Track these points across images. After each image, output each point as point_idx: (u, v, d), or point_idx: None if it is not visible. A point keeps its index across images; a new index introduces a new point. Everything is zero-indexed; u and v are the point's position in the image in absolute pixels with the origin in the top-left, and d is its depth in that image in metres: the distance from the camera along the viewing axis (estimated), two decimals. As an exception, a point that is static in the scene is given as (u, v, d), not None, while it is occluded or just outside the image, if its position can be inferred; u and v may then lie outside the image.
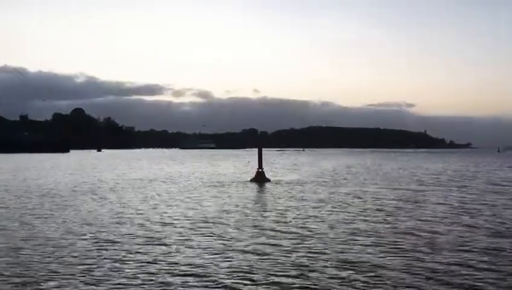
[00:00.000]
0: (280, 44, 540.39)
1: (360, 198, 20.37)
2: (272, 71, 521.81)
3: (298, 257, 9.56)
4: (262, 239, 11.37)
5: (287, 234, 11.96)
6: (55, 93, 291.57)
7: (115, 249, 10.21)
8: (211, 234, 11.93)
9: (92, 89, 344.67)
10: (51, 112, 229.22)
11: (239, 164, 60.80)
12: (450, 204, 18.29)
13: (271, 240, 11.21)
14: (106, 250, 10.16)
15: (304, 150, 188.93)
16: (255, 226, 13.19)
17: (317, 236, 11.67)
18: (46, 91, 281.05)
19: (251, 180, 29.32)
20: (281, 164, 60.33)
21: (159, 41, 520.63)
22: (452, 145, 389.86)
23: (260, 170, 30.08)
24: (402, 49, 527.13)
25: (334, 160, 77.71)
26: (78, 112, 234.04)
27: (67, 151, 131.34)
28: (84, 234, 11.97)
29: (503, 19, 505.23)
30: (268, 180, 29.06)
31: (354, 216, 15.00)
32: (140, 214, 15.54)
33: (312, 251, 10.11)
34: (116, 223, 13.68)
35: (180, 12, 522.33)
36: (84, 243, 10.90)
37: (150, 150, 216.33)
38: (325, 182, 29.74)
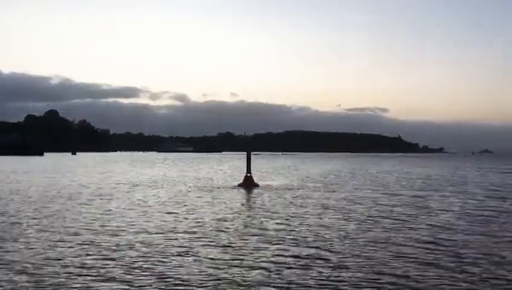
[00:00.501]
0: (258, 48, 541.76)
1: (361, 204, 19.53)
2: (249, 75, 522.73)
3: (334, 276, 8.56)
4: (282, 250, 10.41)
5: (305, 245, 11.03)
6: (29, 94, 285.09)
7: (113, 267, 9.04)
8: (220, 245, 10.89)
9: (67, 91, 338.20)
10: (24, 114, 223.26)
11: (222, 167, 59.67)
12: (454, 210, 17.68)
13: (291, 250, 10.29)
14: (103, 268, 8.97)
15: (281, 154, 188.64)
16: (264, 235, 12.18)
17: (340, 248, 10.73)
18: (20, 93, 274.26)
19: (239, 185, 28.22)
20: (263, 168, 59.40)
21: (136, 44, 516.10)
22: (426, 149, 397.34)
23: (248, 174, 28.92)
24: (376, 54, 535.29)
25: (316, 164, 77.27)
26: (52, 114, 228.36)
27: (41, 154, 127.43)
28: (62, 256, 10.14)
29: (473, 24, 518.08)
30: (257, 186, 27.98)
31: (365, 224, 14.16)
32: (132, 224, 14.31)
33: (343, 265, 9.18)
34: (109, 232, 12.48)
35: (157, 15, 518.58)
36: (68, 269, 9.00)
37: (127, 153, 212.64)
38: (316, 187, 28.93)
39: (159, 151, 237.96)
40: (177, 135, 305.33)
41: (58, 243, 11.01)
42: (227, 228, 13.34)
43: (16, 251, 10.15)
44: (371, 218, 15.41)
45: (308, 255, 9.92)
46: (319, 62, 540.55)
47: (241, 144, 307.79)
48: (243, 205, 19.27)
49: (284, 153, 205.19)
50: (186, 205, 18.66)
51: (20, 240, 11.36)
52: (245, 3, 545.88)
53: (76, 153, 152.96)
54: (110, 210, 16.94)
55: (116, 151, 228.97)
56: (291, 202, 19.97)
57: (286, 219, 15.04)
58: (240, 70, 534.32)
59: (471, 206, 18.91)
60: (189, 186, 28.38)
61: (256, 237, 11.88)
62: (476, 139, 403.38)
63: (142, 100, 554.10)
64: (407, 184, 31.73)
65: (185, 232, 12.58)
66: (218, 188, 27.26)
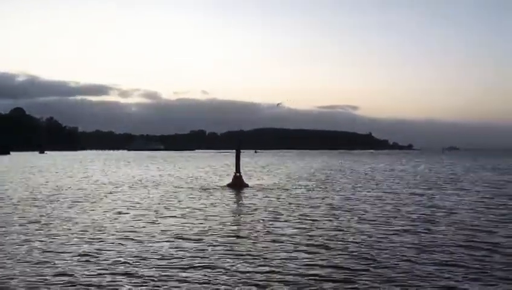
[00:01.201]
0: (230, 46, 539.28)
1: (373, 204, 18.60)
2: (222, 73, 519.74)
3: None
4: (318, 259, 9.32)
5: (343, 253, 9.96)
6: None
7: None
8: (245, 255, 9.69)
9: (34, 88, 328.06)
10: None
11: (203, 166, 58.21)
12: (476, 209, 16.96)
13: (327, 260, 9.20)
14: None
15: (256, 152, 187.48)
16: (287, 242, 11.03)
17: (380, 256, 9.69)
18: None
19: (229, 185, 26.87)
20: (244, 166, 58.18)
21: (106, 40, 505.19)
22: (395, 146, 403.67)
23: (238, 174, 27.54)
24: (347, 53, 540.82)
25: (295, 162, 76.55)
26: (18, 111, 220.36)
27: (7, 153, 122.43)
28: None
29: (445, 23, 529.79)
30: (247, 186, 26.67)
31: (387, 226, 13.20)
32: (132, 230, 12.94)
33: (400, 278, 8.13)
34: (99, 238, 11.11)
35: (128, 11, 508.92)
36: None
37: (97, 151, 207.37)
38: (309, 186, 27.93)
39: (130, 149, 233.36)
40: (148, 133, 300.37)
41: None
42: (242, 234, 12.15)
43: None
44: (389, 219, 14.49)
45: (351, 267, 8.85)
46: (292, 61, 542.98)
47: (214, 142, 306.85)
48: (244, 207, 18.00)
49: (257, 151, 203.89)
50: (184, 208, 17.33)
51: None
52: (217, 2, 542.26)
53: (45, 152, 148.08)
54: (115, 214, 15.48)
55: (85, 149, 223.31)
56: (291, 203, 18.85)
57: (300, 222, 13.97)
58: (212, 68, 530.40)
59: (482, 205, 18.29)
60: (178, 187, 26.93)
61: (278, 245, 10.74)
62: (443, 136, 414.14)
63: (111, 98, 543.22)
64: (401, 181, 31.17)
65: (199, 240, 11.30)
66: (207, 189, 25.73)
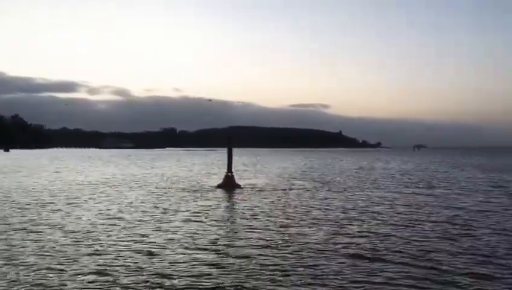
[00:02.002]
0: (203, 44, 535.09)
1: (386, 205, 17.54)
2: (194, 71, 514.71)
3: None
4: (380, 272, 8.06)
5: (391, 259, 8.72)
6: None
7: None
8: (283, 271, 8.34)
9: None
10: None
11: (183, 164, 56.35)
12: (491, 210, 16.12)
13: (391, 272, 7.92)
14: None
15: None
16: (326, 251, 9.74)
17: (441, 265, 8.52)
18: None
19: (219, 186, 25.27)
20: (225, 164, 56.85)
21: (74, 36, 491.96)
22: (365, 144, 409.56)
23: (229, 173, 25.90)
24: (318, 52, 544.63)
25: (275, 160, 75.49)
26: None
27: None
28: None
29: (416, 23, 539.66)
30: (239, 186, 25.10)
31: (419, 229, 12.10)
32: (137, 239, 11.40)
33: None
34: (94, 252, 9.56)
35: (104, 8, 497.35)
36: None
37: (65, 149, 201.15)
38: (304, 185, 26.75)
39: (99, 147, 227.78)
40: (118, 130, 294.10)
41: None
42: (268, 244, 10.78)
43: None
44: (414, 222, 13.41)
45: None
46: (263, 60, 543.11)
47: (185, 140, 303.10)
48: (247, 210, 16.56)
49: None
50: (178, 211, 15.80)
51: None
52: (189, 0, 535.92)
53: (10, 150, 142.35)
54: (109, 219, 13.81)
55: (51, 147, 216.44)
56: (305, 206, 17.58)
57: (318, 228, 12.70)
58: (184, 65, 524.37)
59: (498, 205, 17.49)
60: (164, 188, 25.25)
61: (317, 255, 9.44)
62: (410, 134, 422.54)
63: (80, 95, 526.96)
64: (397, 181, 30.31)
65: (216, 251, 9.87)
66: (196, 190, 24.00)
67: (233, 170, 26.23)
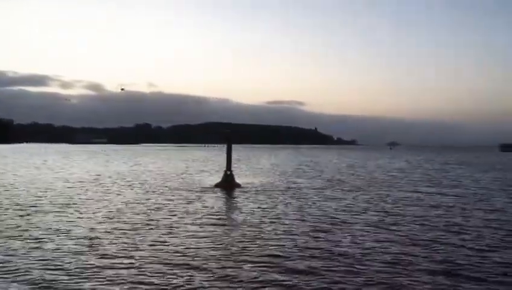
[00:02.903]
0: (178, 40, 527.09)
1: (422, 207, 16.51)
2: (169, 67, 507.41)
3: None
4: None
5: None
6: None
7: None
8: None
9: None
10: None
11: (168, 161, 54.37)
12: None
13: None
14: None
15: (205, 146, 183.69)
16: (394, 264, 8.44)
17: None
18: None
19: (217, 185, 23.60)
20: (209, 161, 55.15)
21: (47, 29, 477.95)
22: (340, 141, 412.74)
23: (228, 172, 24.24)
24: (293, 50, 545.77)
25: (258, 157, 74.13)
26: None
27: None
28: None
29: (391, 24, 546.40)
30: (239, 186, 23.52)
31: (476, 238, 10.96)
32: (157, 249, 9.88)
33: None
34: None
35: (72, 1, 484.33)
36: None
37: (36, 145, 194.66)
38: (311, 184, 25.51)
39: (71, 143, 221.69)
40: (91, 126, 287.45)
41: None
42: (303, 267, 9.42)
43: None
44: (465, 227, 12.28)
45: None
46: (239, 56, 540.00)
47: (159, 136, 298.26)
48: (262, 216, 15.14)
49: (207, 145, 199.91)
50: (183, 217, 14.15)
51: None
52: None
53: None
54: (111, 223, 12.16)
55: (21, 142, 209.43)
56: (323, 209, 16.29)
57: (353, 236, 11.42)
58: (159, 61, 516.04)
59: None
60: (162, 187, 23.58)
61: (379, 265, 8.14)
62: (384, 132, 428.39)
63: (51, 89, 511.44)
64: (407, 179, 29.45)
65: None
66: (191, 190, 22.30)
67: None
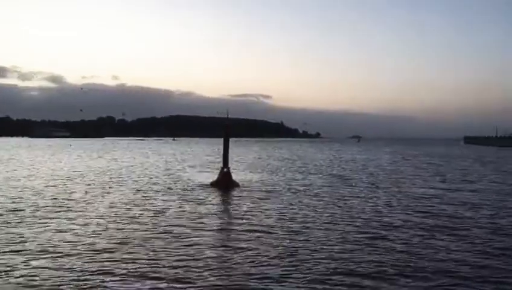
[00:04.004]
0: (143, 31, 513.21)
1: (455, 205, 15.30)
2: (134, 58, 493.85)
3: None
4: None
5: None
6: None
7: None
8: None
9: None
10: None
11: (146, 156, 51.89)
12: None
13: None
14: None
15: (174, 140, 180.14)
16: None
17: None
18: None
19: (213, 184, 21.67)
20: (186, 156, 53.07)
21: (4, 19, 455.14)
22: (305, 135, 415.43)
23: (225, 169, 22.20)
24: (259, 44, 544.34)
25: (235, 151, 72.29)
26: None
27: None
28: None
29: (361, 17, 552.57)
30: (237, 185, 21.58)
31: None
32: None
33: None
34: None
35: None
36: None
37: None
38: (313, 182, 24.17)
39: (30, 136, 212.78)
40: (51, 119, 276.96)
41: None
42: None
43: None
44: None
45: None
46: (204, 49, 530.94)
47: (124, 130, 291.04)
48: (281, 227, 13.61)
49: (175, 138, 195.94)
50: (182, 225, 12.45)
51: None
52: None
53: None
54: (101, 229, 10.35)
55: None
56: (346, 212, 14.92)
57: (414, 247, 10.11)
58: (123, 53, 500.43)
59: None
60: (149, 186, 21.63)
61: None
62: (347, 126, 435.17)
63: (9, 80, 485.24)
64: (415, 176, 28.48)
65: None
66: (184, 189, 20.69)
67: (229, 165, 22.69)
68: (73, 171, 29.20)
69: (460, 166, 38.55)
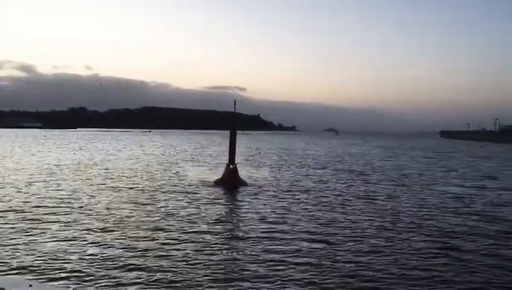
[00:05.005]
0: (117, 23, 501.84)
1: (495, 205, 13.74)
2: (107, 50, 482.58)
3: None
4: None
5: None
6: None
7: None
8: None
9: None
10: None
11: (136, 148, 49.10)
12: None
13: None
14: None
15: (150, 131, 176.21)
16: None
17: None
18: None
19: (218, 182, 19.37)
20: (167, 149, 50.58)
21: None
22: (281, 127, 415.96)
23: (232, 166, 19.89)
24: (234, 36, 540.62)
25: (217, 144, 70.00)
26: None
27: None
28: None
29: (334, 13, 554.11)
30: (245, 183, 19.36)
31: None
32: None
33: None
34: None
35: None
36: None
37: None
38: (326, 177, 22.31)
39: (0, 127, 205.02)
40: (20, 109, 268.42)
41: None
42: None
43: None
44: None
45: None
46: (179, 40, 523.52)
47: (96, 121, 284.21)
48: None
49: (151, 130, 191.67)
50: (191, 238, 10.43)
51: None
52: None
53: None
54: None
55: None
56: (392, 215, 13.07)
57: None
58: (97, 43, 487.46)
59: None
60: (146, 184, 19.35)
61: None
62: (320, 119, 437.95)
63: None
64: (427, 170, 27.08)
65: None
66: (190, 185, 18.72)
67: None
68: (57, 164, 26.49)
69: (464, 161, 37.46)
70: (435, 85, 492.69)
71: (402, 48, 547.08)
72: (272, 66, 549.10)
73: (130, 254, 8.54)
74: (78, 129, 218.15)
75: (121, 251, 8.78)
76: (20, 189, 16.91)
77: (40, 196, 15.27)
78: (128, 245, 9.12)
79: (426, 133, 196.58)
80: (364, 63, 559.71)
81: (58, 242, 9.31)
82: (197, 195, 16.21)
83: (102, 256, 8.39)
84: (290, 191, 17.81)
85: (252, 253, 8.63)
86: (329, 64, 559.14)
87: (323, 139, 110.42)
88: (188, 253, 8.57)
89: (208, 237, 9.92)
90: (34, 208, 13.04)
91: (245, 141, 69.13)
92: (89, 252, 8.65)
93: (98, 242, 9.40)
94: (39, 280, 7.05)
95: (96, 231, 10.35)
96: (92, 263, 7.97)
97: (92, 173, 23.18)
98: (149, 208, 13.44)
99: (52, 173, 22.72)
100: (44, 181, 19.42)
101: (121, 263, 7.96)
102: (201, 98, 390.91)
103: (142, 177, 21.57)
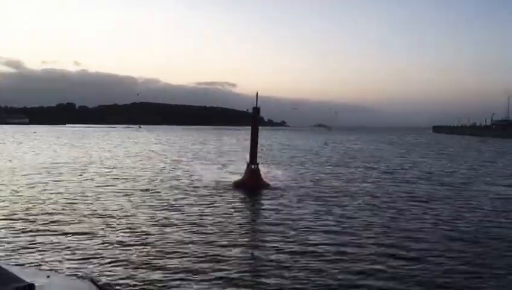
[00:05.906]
0: (106, 18, 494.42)
1: None
2: (96, 45, 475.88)
3: None
4: None
5: None
6: None
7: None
8: None
9: None
10: None
11: (135, 144, 47.26)
12: None
13: None
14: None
15: (140, 127, 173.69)
16: None
17: None
18: None
19: (238, 185, 17.80)
20: (164, 145, 48.94)
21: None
22: (270, 123, 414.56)
23: (253, 166, 18.25)
24: (225, 31, 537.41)
25: (212, 140, 68.34)
26: None
27: None
28: None
29: (321, 8, 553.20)
30: (267, 185, 17.82)
31: None
32: None
33: None
34: None
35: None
36: None
37: None
38: (355, 175, 20.86)
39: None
40: (8, 105, 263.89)
41: None
42: None
43: None
44: None
45: None
46: (170, 36, 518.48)
47: (85, 116, 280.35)
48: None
49: (141, 126, 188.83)
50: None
51: None
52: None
53: None
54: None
55: None
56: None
57: None
58: (86, 39, 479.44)
59: None
60: (164, 187, 17.83)
61: None
62: (309, 114, 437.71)
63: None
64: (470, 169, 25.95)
65: None
66: (206, 187, 17.28)
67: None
68: (62, 162, 24.73)
69: (473, 157, 36.40)
70: (427, 81, 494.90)
71: (393, 44, 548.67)
72: (264, 62, 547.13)
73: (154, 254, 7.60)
74: (67, 125, 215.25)
75: (147, 250, 8.41)
76: (27, 191, 15.26)
77: (52, 200, 13.63)
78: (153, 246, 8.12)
79: (418, 129, 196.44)
80: (352, 60, 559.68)
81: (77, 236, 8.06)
82: (218, 199, 14.83)
83: (125, 256, 7.90)
84: (322, 194, 16.41)
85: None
86: (317, 61, 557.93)
87: (318, 135, 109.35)
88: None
89: (235, 250, 8.63)
90: (43, 212, 11.43)
91: (246, 137, 67.34)
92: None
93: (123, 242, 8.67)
94: (59, 271, 6.86)
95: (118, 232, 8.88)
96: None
97: (97, 172, 21.45)
98: (170, 213, 12.10)
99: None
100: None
101: (146, 264, 7.69)
102: (191, 94, 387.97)
103: (153, 178, 19.92)
